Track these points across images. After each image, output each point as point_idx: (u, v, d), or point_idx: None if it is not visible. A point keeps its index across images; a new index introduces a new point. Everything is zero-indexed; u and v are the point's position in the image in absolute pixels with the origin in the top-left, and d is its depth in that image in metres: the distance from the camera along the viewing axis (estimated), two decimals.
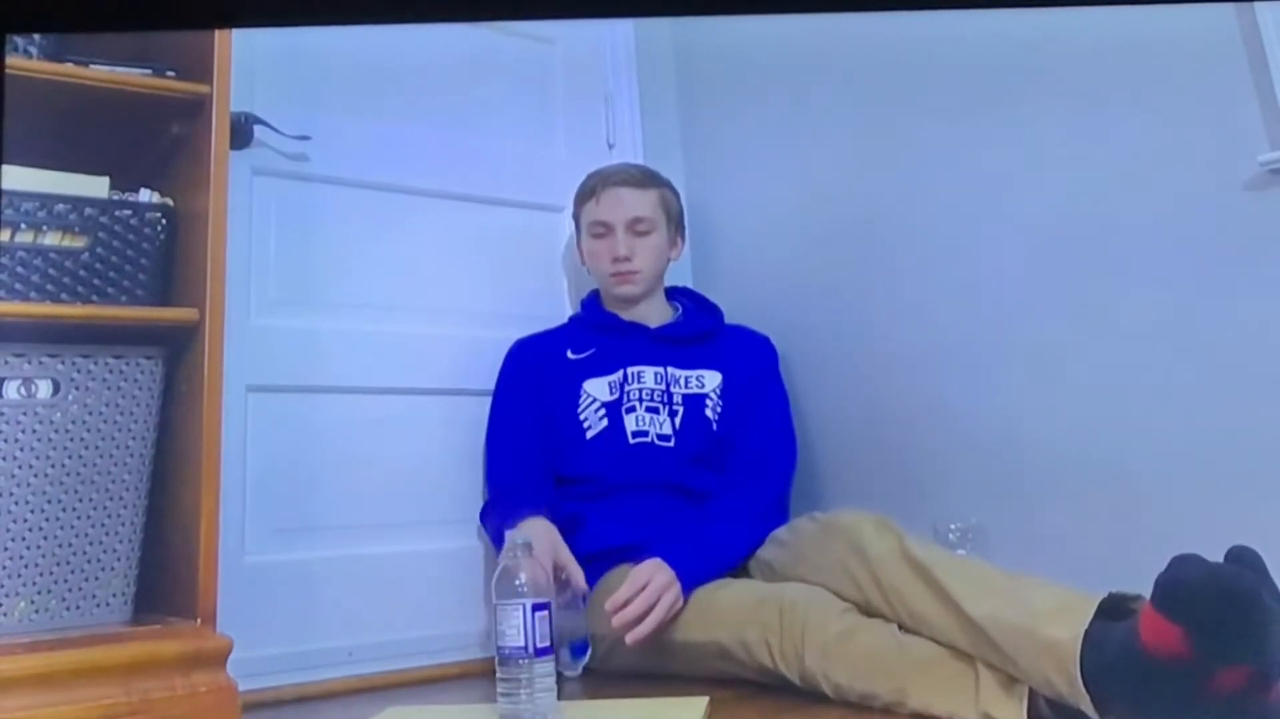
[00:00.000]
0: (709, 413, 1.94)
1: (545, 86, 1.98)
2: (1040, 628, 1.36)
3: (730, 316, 2.02)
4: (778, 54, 1.94)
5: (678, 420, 1.92)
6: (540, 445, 1.92)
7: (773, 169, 1.99)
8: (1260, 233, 1.58)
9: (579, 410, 1.94)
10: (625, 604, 1.67)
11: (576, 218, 2.02)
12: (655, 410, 1.93)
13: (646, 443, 1.92)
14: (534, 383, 1.96)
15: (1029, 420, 1.75)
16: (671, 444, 1.92)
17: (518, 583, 1.47)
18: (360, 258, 1.88)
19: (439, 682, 1.78)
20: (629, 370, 1.94)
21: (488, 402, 1.95)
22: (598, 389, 1.94)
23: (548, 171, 2.08)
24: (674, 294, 2.06)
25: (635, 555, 1.76)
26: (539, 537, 1.72)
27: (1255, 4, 1.59)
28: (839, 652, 1.53)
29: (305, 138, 1.85)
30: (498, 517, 1.85)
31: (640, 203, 1.96)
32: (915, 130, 1.86)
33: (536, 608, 1.46)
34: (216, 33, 1.69)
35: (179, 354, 1.68)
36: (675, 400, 1.93)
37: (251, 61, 1.73)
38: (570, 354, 1.98)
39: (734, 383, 1.95)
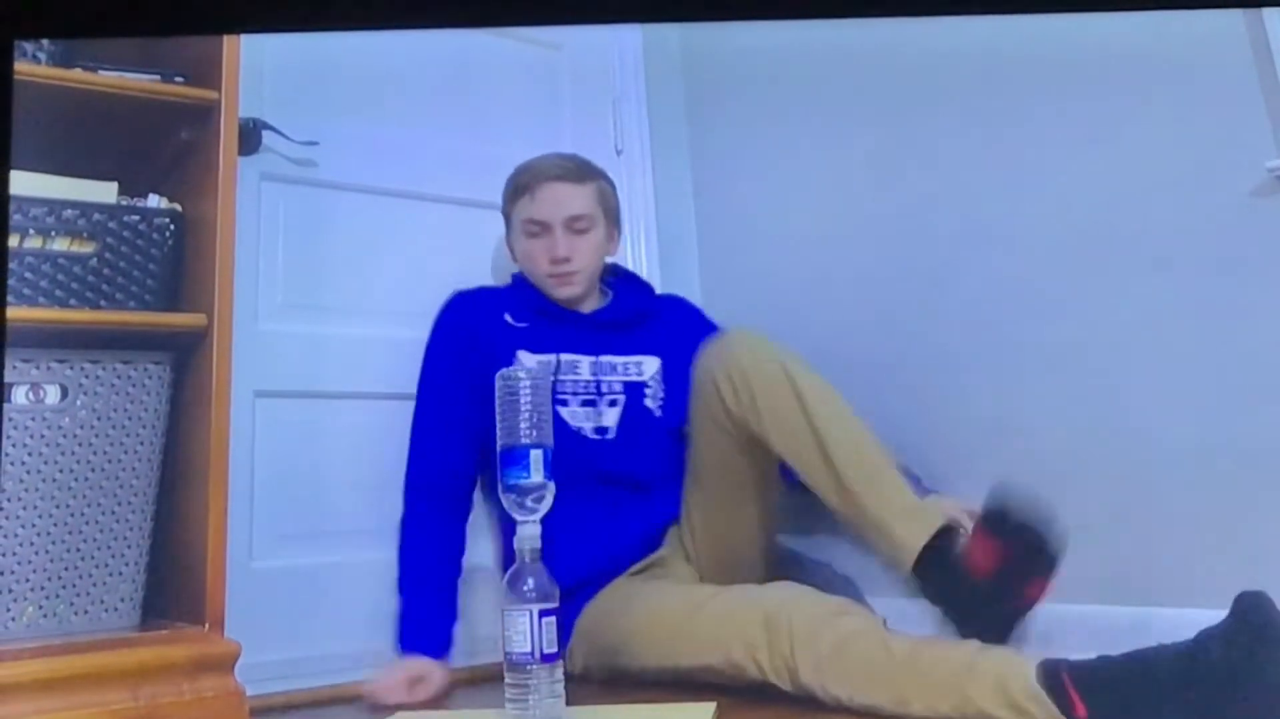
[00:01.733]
0: (649, 402, 1.88)
1: (553, 92, 1.99)
2: (892, 524, 1.59)
3: (738, 322, 1.96)
4: (786, 60, 1.94)
5: (616, 411, 1.86)
6: (474, 428, 1.82)
7: (781, 175, 1.99)
8: (1269, 239, 1.58)
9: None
10: None
11: (507, 215, 1.91)
12: (592, 404, 1.86)
13: (582, 438, 1.85)
14: (468, 346, 1.86)
15: (1037, 423, 1.75)
16: (611, 436, 1.86)
17: (525, 588, 1.46)
18: (368, 263, 1.88)
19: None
20: (562, 359, 1.86)
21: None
22: (529, 362, 1.86)
23: None
24: (606, 277, 1.97)
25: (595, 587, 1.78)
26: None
27: (1264, 10, 1.59)
28: (834, 668, 1.51)
29: (313, 143, 1.85)
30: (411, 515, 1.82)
31: (578, 199, 1.86)
32: (924, 136, 1.86)
33: (544, 613, 1.46)
34: (225, 38, 1.69)
35: (187, 359, 1.69)
36: (614, 389, 1.87)
37: (260, 67, 1.74)
38: (509, 319, 1.88)
39: (674, 366, 1.88)
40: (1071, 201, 1.73)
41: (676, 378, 1.88)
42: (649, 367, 1.89)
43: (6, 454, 1.56)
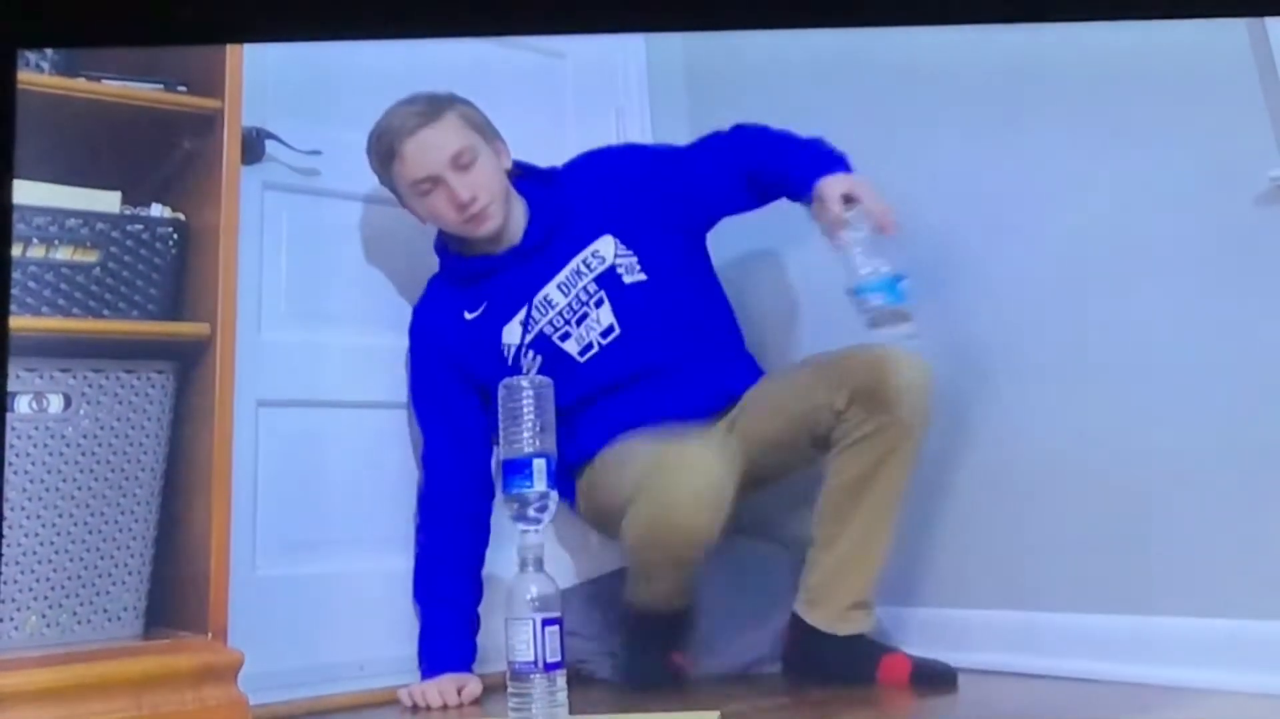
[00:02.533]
0: (626, 278, 1.80)
1: (556, 101, 1.98)
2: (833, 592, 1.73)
3: (745, 329, 1.95)
4: (789, 69, 1.94)
5: (608, 306, 1.80)
6: (476, 453, 1.81)
7: None
8: (1272, 247, 1.58)
9: (508, 363, 1.81)
10: None
11: (390, 186, 1.80)
12: (585, 317, 1.80)
13: (595, 354, 1.80)
14: (444, 357, 1.82)
15: (1037, 429, 1.75)
16: (617, 331, 1.80)
17: (529, 598, 1.46)
18: (371, 273, 1.88)
19: None
20: (534, 301, 1.80)
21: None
22: (512, 335, 1.81)
23: None
24: (514, 180, 1.84)
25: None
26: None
27: (1266, 19, 1.59)
28: None
29: (316, 153, 1.85)
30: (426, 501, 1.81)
31: (448, 135, 1.74)
32: (925, 145, 1.86)
33: (547, 623, 1.46)
34: (228, 48, 1.69)
35: (190, 368, 1.69)
36: (592, 290, 1.80)
37: (263, 76, 1.73)
38: (467, 314, 1.82)
39: (628, 226, 1.82)
40: (1075, 210, 1.73)
41: (635, 233, 1.82)
42: (604, 248, 1.81)
43: (10, 464, 1.56)
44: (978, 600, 1.79)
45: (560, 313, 1.81)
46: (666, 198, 1.83)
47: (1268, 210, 1.58)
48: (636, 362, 1.81)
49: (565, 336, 1.81)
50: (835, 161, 1.73)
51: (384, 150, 1.76)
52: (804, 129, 1.78)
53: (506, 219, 1.81)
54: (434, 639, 1.75)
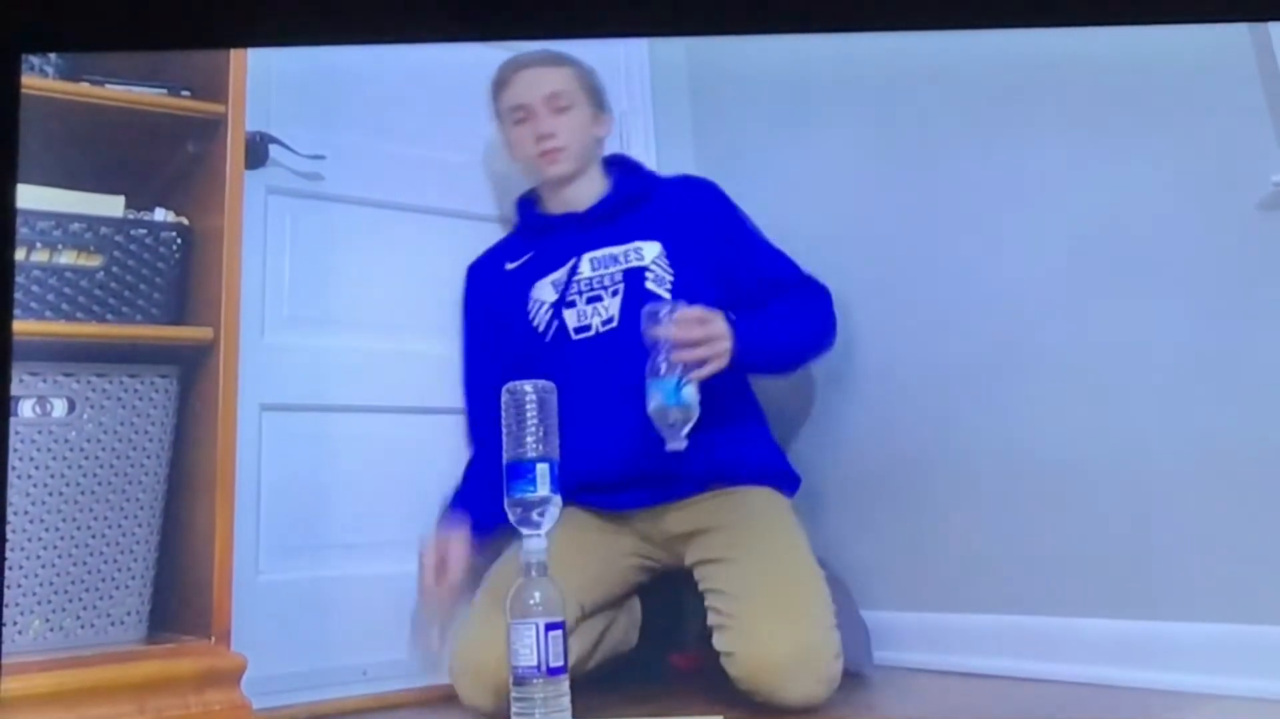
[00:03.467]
0: (651, 285, 1.83)
1: None
2: None
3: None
4: (793, 74, 1.94)
5: (619, 300, 1.83)
6: (506, 363, 1.83)
7: (787, 188, 1.98)
8: (1273, 252, 1.58)
9: (531, 319, 1.86)
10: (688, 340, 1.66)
11: (496, 112, 1.91)
12: (597, 298, 1.84)
13: (589, 336, 1.82)
14: (484, 305, 1.90)
15: (1035, 435, 1.75)
16: (615, 326, 1.82)
17: (531, 602, 1.47)
18: (375, 277, 1.88)
19: (453, 700, 1.78)
20: (567, 264, 1.86)
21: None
22: (543, 292, 1.86)
23: None
24: (608, 165, 1.94)
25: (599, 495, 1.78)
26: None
27: (1269, 24, 1.59)
28: None
29: (320, 157, 1.85)
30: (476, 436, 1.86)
31: (554, 78, 1.87)
32: (929, 149, 1.86)
33: (550, 627, 1.46)
34: (232, 52, 1.70)
35: (193, 373, 1.69)
36: (615, 279, 1.84)
37: (267, 81, 1.73)
38: (508, 265, 1.90)
39: (680, 246, 1.86)
40: (1077, 215, 1.72)
41: (684, 259, 1.85)
42: (648, 251, 1.85)
43: (13, 468, 1.56)
44: (978, 605, 1.79)
45: (580, 283, 1.84)
46: (723, 260, 1.86)
47: (1270, 214, 1.58)
48: (619, 365, 1.79)
49: (571, 305, 1.84)
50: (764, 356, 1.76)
51: (499, 77, 1.89)
52: (806, 133, 1.79)
53: (580, 180, 1.89)
54: (465, 483, 1.82)
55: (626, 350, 1.76)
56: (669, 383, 1.63)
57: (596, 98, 1.91)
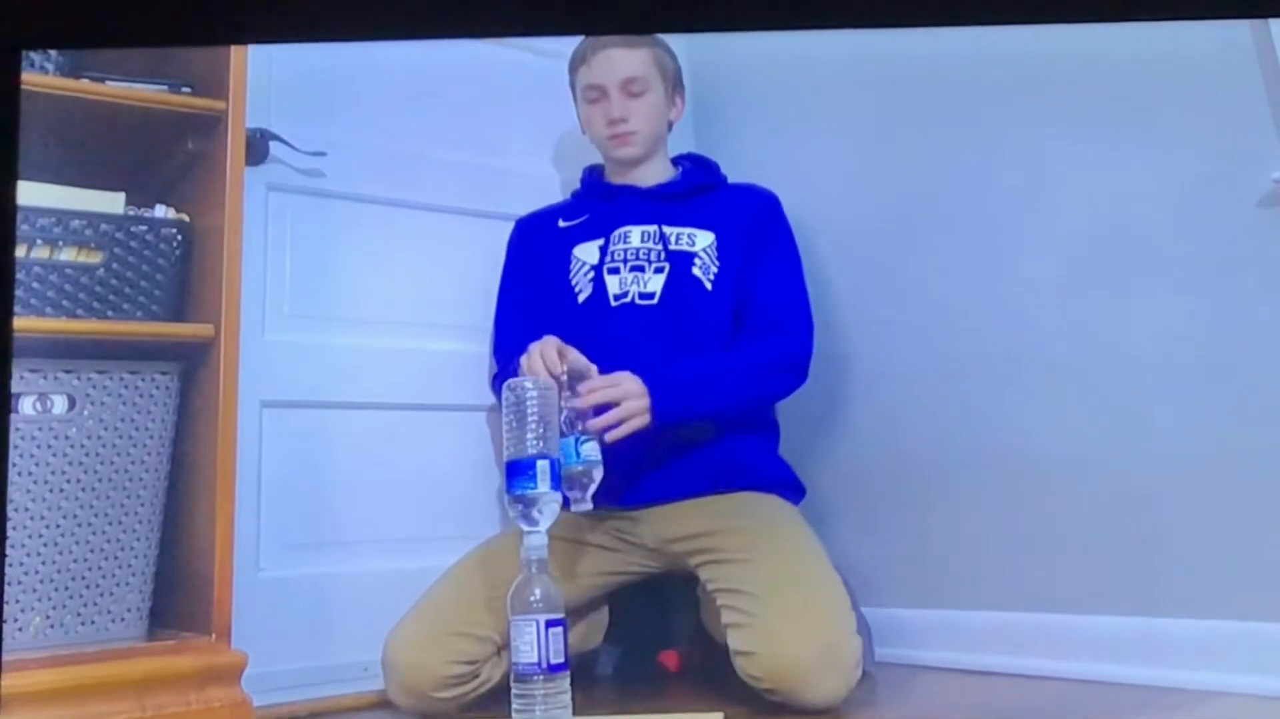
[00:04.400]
0: (696, 271, 1.85)
1: (559, 103, 1.98)
2: None
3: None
4: (792, 71, 1.94)
5: (663, 278, 1.84)
6: (538, 318, 1.84)
7: (786, 186, 1.98)
8: (1274, 249, 1.58)
9: (570, 277, 1.87)
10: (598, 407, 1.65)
11: (573, 86, 1.93)
12: (640, 269, 1.85)
13: (627, 304, 1.83)
14: (529, 257, 1.91)
15: (1037, 433, 1.75)
16: (655, 302, 1.84)
17: (532, 599, 1.47)
18: (375, 274, 1.88)
19: None
20: (616, 232, 1.87)
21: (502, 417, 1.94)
22: (586, 253, 1.87)
23: (563, 188, 2.08)
24: (678, 159, 1.97)
25: None
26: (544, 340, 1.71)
27: (1270, 20, 1.59)
28: None
29: (321, 154, 1.85)
30: (500, 376, 1.82)
31: (632, 62, 1.87)
32: (929, 146, 1.86)
33: (550, 624, 1.46)
34: (232, 49, 1.70)
35: (194, 370, 1.69)
36: (661, 258, 1.85)
37: (267, 77, 1.74)
38: (561, 222, 1.91)
39: (731, 243, 1.87)
40: (1077, 212, 1.72)
41: (732, 256, 1.86)
42: (701, 239, 1.87)
43: (14, 464, 1.56)
44: (980, 603, 1.79)
45: (625, 251, 1.85)
46: (746, 269, 1.86)
47: (1270, 212, 1.58)
48: (654, 338, 1.81)
49: (614, 272, 1.85)
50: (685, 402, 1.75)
51: (578, 54, 1.90)
52: (805, 129, 1.78)
53: (649, 160, 1.91)
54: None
55: (660, 326, 1.81)
56: (568, 442, 1.61)
57: (672, 82, 1.92)
